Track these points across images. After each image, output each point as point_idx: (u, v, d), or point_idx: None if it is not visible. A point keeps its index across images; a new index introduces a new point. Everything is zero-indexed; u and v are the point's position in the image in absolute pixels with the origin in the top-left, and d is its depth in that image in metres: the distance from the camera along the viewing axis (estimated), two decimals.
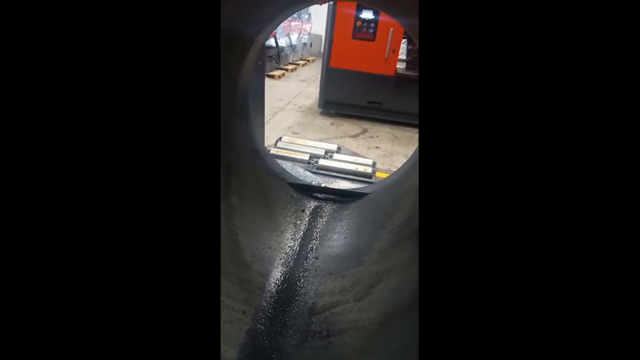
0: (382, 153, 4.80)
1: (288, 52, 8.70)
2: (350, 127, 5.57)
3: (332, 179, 2.18)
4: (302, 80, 8.12)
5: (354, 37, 5.06)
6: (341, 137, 5.19)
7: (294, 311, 1.16)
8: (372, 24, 4.95)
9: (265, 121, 5.41)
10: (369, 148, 4.92)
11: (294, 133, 5.11)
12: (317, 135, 5.06)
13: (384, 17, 4.86)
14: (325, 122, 5.71)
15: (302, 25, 9.57)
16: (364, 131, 5.47)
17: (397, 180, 1.70)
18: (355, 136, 5.28)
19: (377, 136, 5.32)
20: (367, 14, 4.94)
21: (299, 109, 6.20)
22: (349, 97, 5.52)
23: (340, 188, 1.94)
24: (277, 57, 8.12)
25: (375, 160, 2.75)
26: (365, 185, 2.12)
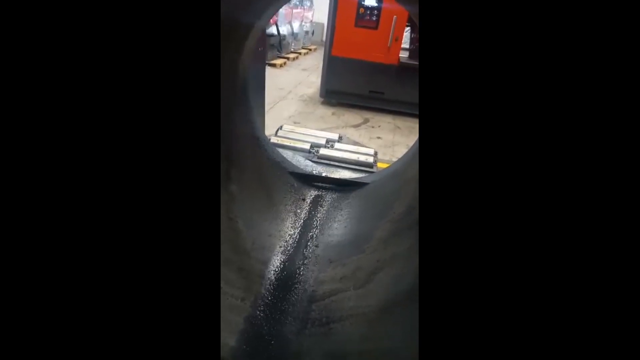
0: (383, 143, 4.77)
1: (290, 41, 8.59)
2: (351, 116, 5.53)
3: (333, 169, 2.16)
4: (304, 69, 8.03)
5: (356, 24, 4.98)
6: (343, 127, 5.15)
7: (294, 299, 1.16)
8: (375, 12, 4.87)
9: (266, 110, 5.36)
10: (371, 138, 4.89)
11: (295, 122, 5.08)
12: (318, 125, 5.02)
13: (387, 4, 4.78)
14: (327, 111, 5.67)
15: (304, 12, 9.43)
16: (366, 121, 5.43)
17: (398, 170, 1.69)
18: (356, 126, 5.25)
19: (379, 126, 5.28)
20: (370, 1, 4.85)
21: (300, 98, 6.15)
22: (350, 86, 5.47)
23: (341, 177, 1.93)
24: (279, 46, 8.02)
25: (376, 150, 2.72)
26: (367, 174, 2.10)
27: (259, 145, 1.75)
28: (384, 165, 2.37)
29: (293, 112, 5.53)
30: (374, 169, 2.26)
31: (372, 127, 5.28)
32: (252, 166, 1.63)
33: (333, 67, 5.36)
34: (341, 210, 1.64)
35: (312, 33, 10.34)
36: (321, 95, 5.83)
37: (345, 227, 1.50)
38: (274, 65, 7.72)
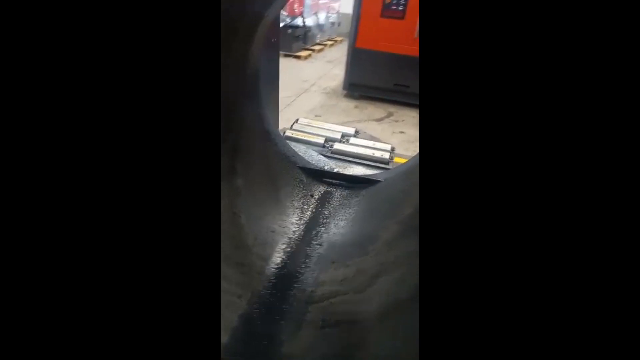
0: (406, 138, 4.64)
1: (315, 32, 8.50)
2: (375, 110, 5.41)
3: (346, 164, 2.10)
4: (328, 61, 7.93)
5: (382, 15, 4.82)
6: (365, 121, 5.05)
7: (291, 298, 1.13)
8: (402, 1, 4.69)
9: (288, 103, 5.36)
10: (393, 133, 4.77)
11: (316, 115, 5.04)
12: (340, 119, 4.95)
13: None
14: (350, 104, 5.57)
15: (330, 3, 9.28)
16: (389, 115, 5.29)
17: (410, 168, 1.61)
18: (379, 120, 5.13)
19: (403, 120, 5.13)
20: None
21: (324, 91, 6.08)
22: (374, 79, 5.33)
23: (353, 174, 1.86)
24: (304, 37, 7.96)
25: (399, 146, 2.62)
26: (381, 171, 2.03)
27: (269, 139, 1.72)
28: (402, 161, 2.28)
29: (315, 104, 5.49)
30: (390, 166, 2.18)
31: (396, 121, 5.14)
32: (261, 160, 1.60)
33: (357, 59, 5.25)
34: (349, 208, 1.59)
35: (339, 24, 10.17)
36: (344, 88, 5.74)
37: (352, 226, 1.45)
38: (298, 57, 7.69)
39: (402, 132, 4.77)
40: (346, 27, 9.98)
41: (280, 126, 2.64)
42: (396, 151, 2.42)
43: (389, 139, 4.40)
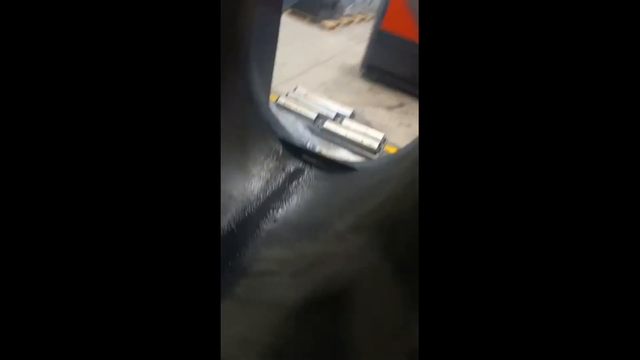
0: (412, 132, 4.51)
1: (345, 3, 8.12)
2: (387, 97, 5.23)
3: (331, 145, 2.04)
4: (353, 37, 7.62)
5: None
6: (375, 106, 4.90)
7: (226, 269, 1.10)
8: None
9: (299, 73, 5.20)
10: (400, 124, 4.63)
11: (327, 90, 4.89)
12: (350, 99, 4.80)
13: None
14: (364, 86, 5.39)
15: None
16: (401, 105, 5.13)
17: (390, 162, 1.54)
18: (389, 108, 4.98)
19: (413, 113, 4.97)
20: None
21: (340, 67, 5.88)
22: (393, 65, 5.12)
23: (332, 157, 1.80)
24: (333, 6, 7.62)
25: (402, 140, 2.52)
26: (364, 160, 1.96)
27: (250, 103, 1.64)
28: (393, 150, 2.21)
29: (328, 79, 5.32)
30: (376, 156, 2.11)
31: (406, 112, 4.99)
32: (235, 122, 1.53)
33: (379, 41, 5.01)
34: (317, 190, 1.53)
35: (371, 1, 9.72)
36: (361, 68, 5.54)
37: (311, 209, 1.40)
38: (323, 27, 7.40)
39: (408, 125, 4.63)
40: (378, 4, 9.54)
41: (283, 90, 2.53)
42: (398, 145, 2.34)
43: (394, 130, 4.28)
